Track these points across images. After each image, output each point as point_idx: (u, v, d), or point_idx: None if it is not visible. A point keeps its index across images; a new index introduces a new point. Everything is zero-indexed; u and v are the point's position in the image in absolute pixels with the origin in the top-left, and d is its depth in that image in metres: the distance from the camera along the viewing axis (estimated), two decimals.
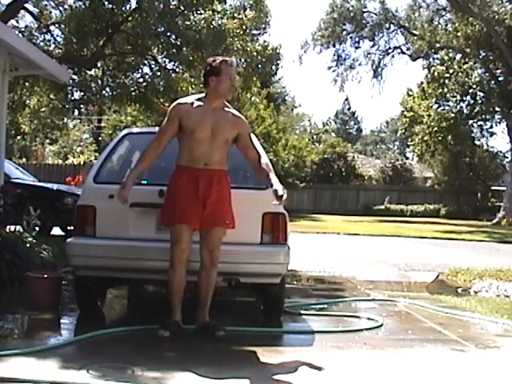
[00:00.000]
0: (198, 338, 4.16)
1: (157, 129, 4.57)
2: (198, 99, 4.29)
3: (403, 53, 30.41)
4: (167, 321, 4.13)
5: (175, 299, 4.16)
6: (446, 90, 28.57)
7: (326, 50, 30.13)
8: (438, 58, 29.17)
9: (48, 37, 15.33)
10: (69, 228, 10.17)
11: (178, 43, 13.73)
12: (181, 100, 4.35)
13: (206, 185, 4.16)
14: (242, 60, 16.62)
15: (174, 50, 13.80)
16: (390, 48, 30.53)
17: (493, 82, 27.74)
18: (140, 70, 15.51)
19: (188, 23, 13.38)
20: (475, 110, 29.29)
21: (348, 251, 12.18)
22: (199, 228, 4.17)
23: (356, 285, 7.61)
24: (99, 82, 17.54)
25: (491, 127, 30.83)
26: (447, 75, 28.23)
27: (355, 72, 31.01)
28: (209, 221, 4.16)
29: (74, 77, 14.96)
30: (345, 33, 29.88)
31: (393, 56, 30.67)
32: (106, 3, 13.34)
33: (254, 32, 17.68)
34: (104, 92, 16.89)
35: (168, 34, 13.85)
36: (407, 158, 44.08)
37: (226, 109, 4.36)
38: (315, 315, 5.31)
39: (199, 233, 4.20)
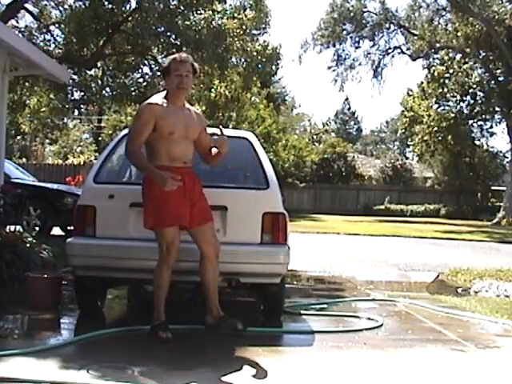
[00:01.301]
0: (215, 332, 4.18)
1: None
2: (164, 98, 4.25)
3: (403, 53, 30.42)
4: (157, 323, 4.11)
5: (163, 299, 4.17)
6: (445, 89, 28.56)
7: (326, 49, 30.15)
8: (438, 58, 29.16)
9: (48, 37, 15.37)
10: (69, 228, 10.17)
11: (178, 43, 13.73)
12: (151, 100, 4.28)
13: (191, 183, 4.19)
14: (242, 60, 16.62)
15: (174, 50, 13.77)
16: (390, 48, 30.53)
17: (493, 82, 27.73)
18: (140, 70, 15.53)
19: (188, 23, 13.38)
20: (475, 110, 29.27)
21: (348, 251, 12.17)
22: (189, 226, 4.17)
23: (356, 285, 7.61)
24: (99, 82, 17.55)
25: (491, 127, 30.86)
26: (447, 75, 28.21)
27: (355, 72, 31.03)
28: (197, 218, 4.18)
29: (74, 77, 14.98)
30: (345, 33, 29.87)
31: (393, 56, 30.70)
32: (106, 3, 13.34)
33: (254, 32, 17.68)
34: (104, 92, 16.91)
35: (168, 33, 13.86)
36: (407, 158, 44.05)
37: (187, 105, 4.38)
38: (315, 315, 5.31)
39: (191, 231, 4.20)
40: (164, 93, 4.30)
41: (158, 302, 4.16)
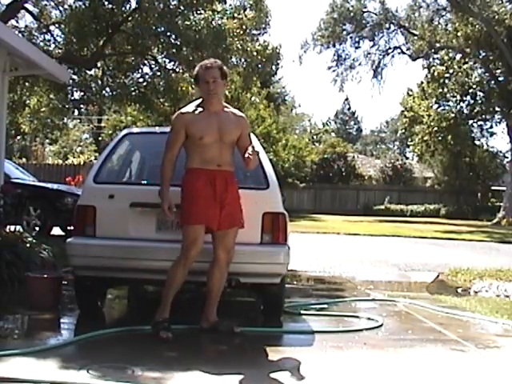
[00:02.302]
0: (213, 334, 4.18)
1: (157, 129, 4.57)
2: (198, 105, 4.35)
3: (403, 53, 30.43)
4: (159, 320, 4.12)
5: (171, 297, 4.18)
6: (445, 89, 28.57)
7: (326, 50, 30.17)
8: (438, 58, 29.17)
9: (48, 37, 15.32)
10: (69, 228, 10.17)
11: (178, 43, 13.70)
12: (183, 110, 4.41)
13: (222, 186, 4.21)
14: (242, 60, 16.61)
15: (174, 50, 13.78)
16: (390, 48, 30.55)
17: (493, 82, 27.74)
18: (140, 70, 15.50)
19: (188, 23, 13.35)
20: (475, 110, 29.27)
21: (348, 251, 12.17)
22: (216, 229, 4.19)
23: (356, 285, 7.62)
24: (99, 82, 17.53)
25: (491, 127, 30.87)
26: (447, 75, 28.22)
27: (355, 72, 31.07)
28: (226, 221, 4.20)
29: (74, 77, 14.96)
30: (345, 33, 29.88)
31: (393, 56, 30.71)
32: (106, 3, 13.31)
33: (254, 32, 17.66)
34: (104, 92, 16.87)
35: (168, 33, 13.83)
36: (407, 158, 44.07)
37: (226, 109, 4.40)
38: (315, 315, 5.31)
39: (214, 234, 4.22)
40: (200, 99, 4.39)
41: (165, 299, 4.17)
